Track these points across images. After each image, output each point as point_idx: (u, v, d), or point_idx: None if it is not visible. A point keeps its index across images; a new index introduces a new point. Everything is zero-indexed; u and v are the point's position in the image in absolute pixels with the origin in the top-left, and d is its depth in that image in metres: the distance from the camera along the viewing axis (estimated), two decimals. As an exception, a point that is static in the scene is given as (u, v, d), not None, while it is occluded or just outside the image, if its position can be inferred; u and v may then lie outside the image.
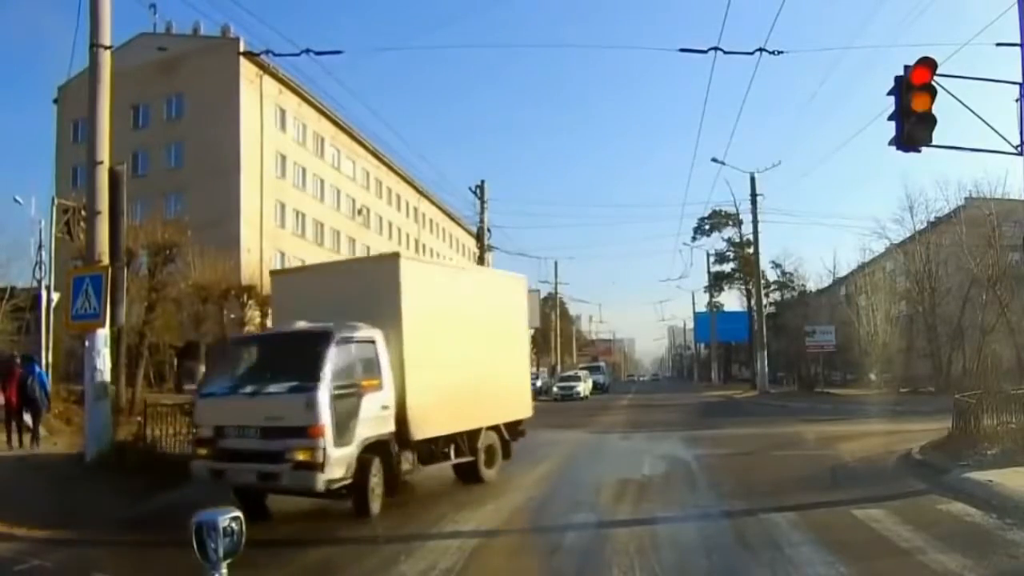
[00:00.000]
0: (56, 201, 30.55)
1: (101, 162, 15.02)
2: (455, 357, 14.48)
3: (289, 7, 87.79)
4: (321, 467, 11.27)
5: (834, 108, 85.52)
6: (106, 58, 14.98)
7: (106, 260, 14.76)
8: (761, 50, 16.70)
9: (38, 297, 38.99)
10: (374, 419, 12.32)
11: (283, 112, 62.25)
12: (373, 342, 12.86)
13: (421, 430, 13.36)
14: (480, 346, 15.54)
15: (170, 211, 50.43)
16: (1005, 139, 14.41)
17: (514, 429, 17.18)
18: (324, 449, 11.28)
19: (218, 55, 55.73)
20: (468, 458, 15.12)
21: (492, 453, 15.99)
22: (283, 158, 62.45)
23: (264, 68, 57.12)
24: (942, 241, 49.48)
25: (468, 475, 15.40)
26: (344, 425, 11.68)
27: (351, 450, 11.75)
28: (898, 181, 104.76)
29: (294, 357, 12.34)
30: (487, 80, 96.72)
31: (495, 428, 16.10)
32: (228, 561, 4.12)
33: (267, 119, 59.76)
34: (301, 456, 11.35)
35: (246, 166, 56.46)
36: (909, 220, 51.54)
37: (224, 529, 4.16)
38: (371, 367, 12.70)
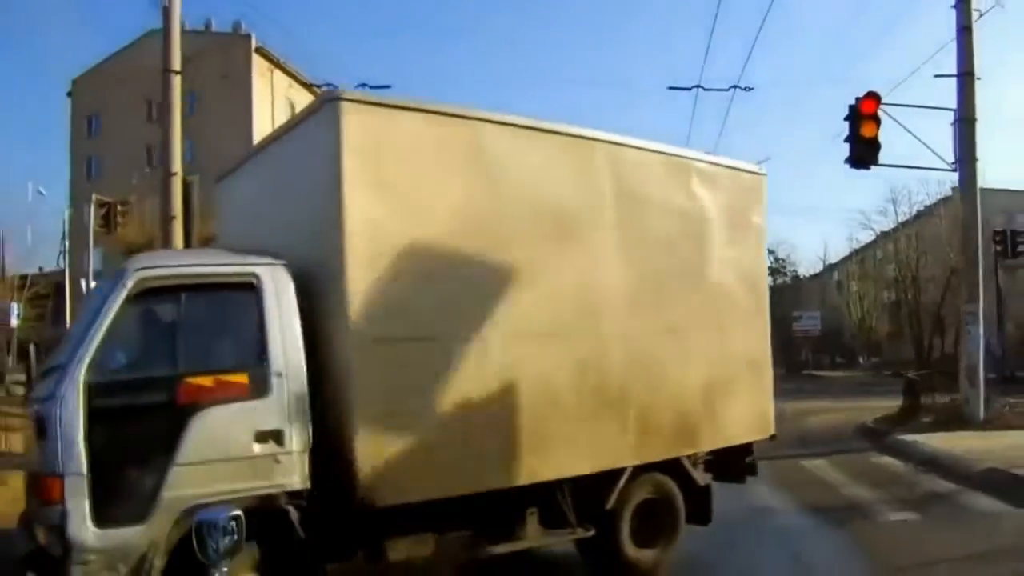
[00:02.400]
0: (95, 197, 33.24)
1: (175, 173, 16.61)
2: (530, 317, 7.25)
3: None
4: (59, 565, 5.51)
5: (819, 109, 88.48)
6: (177, 82, 16.87)
7: (181, 259, 16.94)
8: (735, 87, 19.17)
9: (60, 285, 41.61)
10: (228, 462, 5.94)
11: (293, 106, 63.58)
12: (253, 286, 6.29)
13: (398, 486, 6.37)
14: (622, 296, 7.97)
15: None
16: (941, 158, 17.32)
17: (732, 463, 9.30)
18: (65, 527, 5.45)
19: (231, 52, 57.78)
20: (582, 531, 7.76)
21: (657, 516, 8.32)
22: None
23: (275, 63, 59.36)
24: (925, 232, 51.81)
25: (600, 555, 8.16)
26: (125, 475, 5.71)
27: (140, 534, 5.59)
28: (884, 174, 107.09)
29: (75, 328, 6.95)
30: (488, 84, 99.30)
31: (668, 467, 8.35)
32: (228, 560, 4.08)
33: (278, 112, 60.47)
34: (40, 538, 5.78)
35: None
36: (893, 212, 53.94)
37: (224, 528, 4.05)
38: (239, 345, 6.38)
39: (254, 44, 57.58)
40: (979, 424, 16.61)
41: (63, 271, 43.35)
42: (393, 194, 6.60)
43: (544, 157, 7.58)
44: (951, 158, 17.80)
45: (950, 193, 48.61)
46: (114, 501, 5.58)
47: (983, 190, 42.88)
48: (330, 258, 6.42)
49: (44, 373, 6.40)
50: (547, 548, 8.25)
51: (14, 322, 35.55)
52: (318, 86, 43.14)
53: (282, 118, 60.82)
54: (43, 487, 5.69)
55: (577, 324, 7.59)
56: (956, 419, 17.14)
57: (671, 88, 19.96)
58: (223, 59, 58.31)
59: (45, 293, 40.97)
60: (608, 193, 7.96)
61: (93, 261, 34.28)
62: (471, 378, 6.85)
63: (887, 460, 14.31)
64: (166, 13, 17.46)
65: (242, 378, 6.12)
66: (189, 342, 6.11)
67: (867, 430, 18.68)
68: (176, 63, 17.42)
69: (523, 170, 7.38)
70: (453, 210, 6.91)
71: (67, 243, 45.18)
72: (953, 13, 17.88)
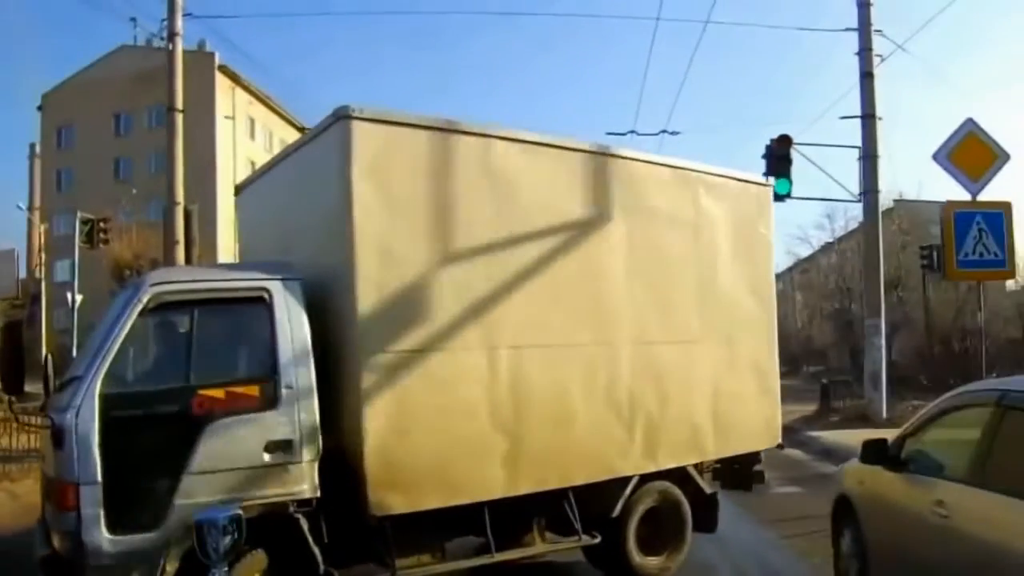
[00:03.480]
0: (79, 214, 34.97)
1: (178, 203, 18.60)
2: (540, 328, 7.50)
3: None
4: (74, 569, 5.74)
5: (743, 147, 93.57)
6: (179, 120, 18.89)
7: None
8: (664, 131, 21.73)
9: (36, 295, 43.05)
10: (239, 471, 6.12)
11: (252, 121, 65.58)
12: (264, 301, 6.47)
13: (408, 496, 6.63)
14: (631, 306, 8.18)
15: (151, 214, 52.96)
16: (847, 190, 20.25)
17: (740, 471, 9.67)
18: (80, 533, 5.63)
19: (195, 69, 58.84)
20: (588, 538, 7.85)
21: (664, 524, 8.45)
22: (253, 165, 65.09)
23: (236, 80, 60.96)
24: (862, 244, 54.17)
25: (606, 562, 8.33)
26: (139, 483, 5.86)
27: (153, 540, 5.77)
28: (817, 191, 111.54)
29: (91, 341, 6.62)
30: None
31: (675, 475, 8.52)
32: (229, 559, 4.04)
33: (239, 128, 62.76)
34: (55, 543, 6.00)
35: (221, 173, 58.84)
36: (829, 226, 56.57)
37: (224, 528, 4.03)
38: (249, 358, 6.67)
39: (217, 62, 58.91)
40: (882, 422, 19.13)
41: (38, 281, 44.84)
42: (403, 209, 6.81)
43: (554, 171, 7.78)
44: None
45: (891, 205, 51.39)
46: (128, 508, 5.73)
47: (926, 202, 45.14)
48: (340, 272, 6.68)
49: (62, 385, 6.40)
50: (554, 555, 8.40)
51: (-10, 331, 36.88)
52: (305, 128, 44.57)
53: (243, 133, 62.61)
54: (59, 494, 5.84)
55: (586, 334, 7.80)
56: (861, 418, 19.89)
57: (609, 134, 22.31)
58: (188, 75, 59.30)
59: (20, 303, 42.27)
60: (617, 206, 8.16)
61: (75, 273, 35.78)
62: (480, 388, 7.09)
63: (792, 451, 16.82)
64: (170, 56, 19.34)
65: (253, 390, 6.33)
66: (202, 355, 6.30)
67: (784, 428, 21.45)
68: (179, 102, 19.11)
69: (533, 184, 7.55)
70: (463, 224, 7.12)
71: (43, 255, 46.66)
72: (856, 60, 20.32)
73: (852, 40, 20.44)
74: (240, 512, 4.21)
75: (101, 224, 35.16)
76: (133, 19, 57.61)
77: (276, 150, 68.54)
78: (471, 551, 7.61)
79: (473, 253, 7.13)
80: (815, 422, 21.27)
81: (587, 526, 7.80)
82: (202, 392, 6.15)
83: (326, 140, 6.95)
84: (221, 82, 60.20)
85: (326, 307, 6.73)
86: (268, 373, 6.35)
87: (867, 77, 20.17)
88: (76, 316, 34.04)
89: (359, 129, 6.60)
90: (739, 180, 9.55)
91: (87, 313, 34.35)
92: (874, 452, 6.70)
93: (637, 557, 8.15)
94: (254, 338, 6.52)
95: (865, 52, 20.08)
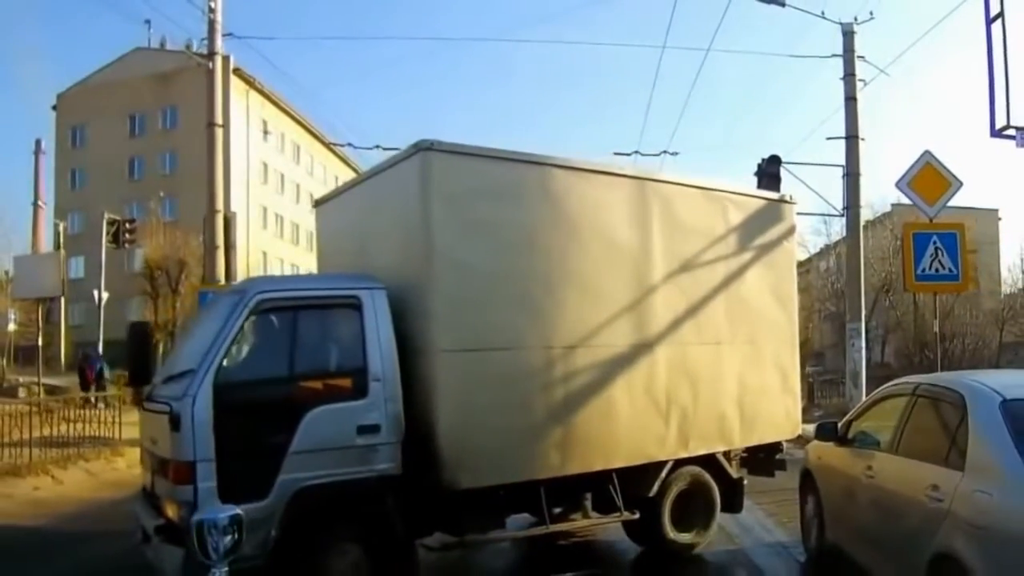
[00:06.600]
0: (106, 215, 36.27)
1: (219, 211, 19.61)
2: (589, 331, 8.47)
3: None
4: (188, 535, 5.76)
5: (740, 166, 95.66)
6: (219, 134, 19.96)
7: (223, 281, 19.19)
8: (664, 152, 22.93)
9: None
10: (334, 451, 7.07)
11: (265, 123, 66.39)
12: (355, 306, 7.47)
13: (475, 472, 7.58)
14: (667, 313, 9.14)
15: (164, 213, 53.86)
16: (832, 205, 21.70)
17: (764, 459, 10.49)
18: (196, 504, 6.42)
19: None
20: (628, 515, 8.93)
21: (695, 504, 9.51)
22: (265, 166, 66.64)
23: (250, 83, 62.19)
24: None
25: (644, 536, 9.58)
26: (247, 460, 6.71)
27: (260, 509, 6.58)
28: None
29: (197, 339, 7.51)
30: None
31: (705, 461, 9.54)
32: (229, 559, 4.09)
33: (252, 130, 63.41)
34: (170, 513, 6.86)
35: (235, 173, 58.29)
36: (826, 230, 57.54)
37: (224, 528, 4.10)
38: (343, 355, 7.56)
39: (232, 65, 59.98)
40: (859, 418, 20.84)
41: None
42: (473, 229, 7.71)
43: (602, 194, 8.73)
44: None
45: (888, 209, 51.10)
46: (238, 482, 6.47)
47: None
48: (418, 282, 7.60)
49: (168, 378, 7.34)
50: (597, 534, 10.05)
51: (11, 327, 38.22)
52: (333, 144, 45.06)
53: (256, 134, 63.65)
54: (176, 471, 6.63)
55: (629, 337, 8.74)
56: (841, 414, 21.23)
57: (616, 154, 23.60)
58: (203, 78, 59.90)
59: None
60: (656, 223, 9.11)
61: (103, 271, 36.98)
62: (537, 382, 8.06)
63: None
64: (209, 74, 20.33)
65: (346, 382, 7.28)
66: (302, 351, 7.29)
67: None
68: (219, 117, 20.10)
69: (584, 206, 8.50)
70: (524, 241, 8.08)
71: (63, 252, 48.03)
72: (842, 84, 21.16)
73: (837, 65, 21.34)
74: (240, 512, 4.35)
75: (126, 225, 36.45)
76: (148, 21, 59.87)
77: (289, 153, 70.20)
78: (528, 525, 8.82)
79: (532, 266, 8.14)
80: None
81: (628, 504, 8.83)
82: (302, 383, 7.14)
83: (406, 168, 7.88)
84: (236, 84, 61.06)
85: (405, 312, 7.61)
86: (359, 367, 7.31)
87: (851, 100, 20.88)
88: (102, 313, 35.27)
89: (436, 159, 7.56)
90: (764, 198, 10.64)
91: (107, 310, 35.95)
92: (826, 431, 8.41)
93: (671, 532, 9.24)
94: (346, 337, 7.48)
95: (849, 77, 20.87)
